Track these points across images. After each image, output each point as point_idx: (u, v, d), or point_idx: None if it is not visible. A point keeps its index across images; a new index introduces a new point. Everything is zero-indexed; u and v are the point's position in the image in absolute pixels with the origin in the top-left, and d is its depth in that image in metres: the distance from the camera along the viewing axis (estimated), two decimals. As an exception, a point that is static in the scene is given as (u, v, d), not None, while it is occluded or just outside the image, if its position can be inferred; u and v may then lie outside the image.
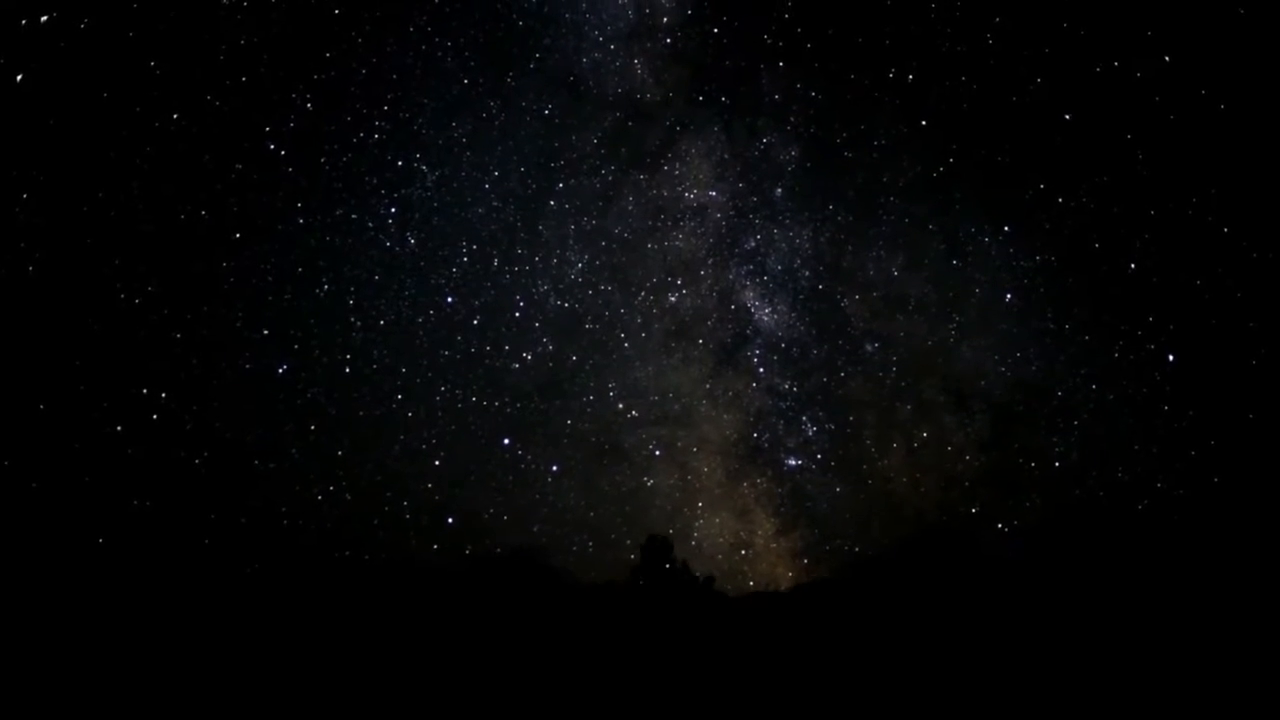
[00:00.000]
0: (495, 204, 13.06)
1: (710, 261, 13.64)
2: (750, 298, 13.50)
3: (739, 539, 13.27)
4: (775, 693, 7.43)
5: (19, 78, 11.82)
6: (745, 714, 7.11)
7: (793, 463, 13.26)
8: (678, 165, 13.45)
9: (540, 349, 13.17)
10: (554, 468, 13.07)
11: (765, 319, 13.54)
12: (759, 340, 13.52)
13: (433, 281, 12.97)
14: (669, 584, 11.01)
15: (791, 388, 13.38)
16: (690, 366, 13.50)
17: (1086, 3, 12.51)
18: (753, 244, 13.53)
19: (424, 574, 11.86)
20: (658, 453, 13.31)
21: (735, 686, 7.50)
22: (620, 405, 13.32)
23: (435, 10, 12.73)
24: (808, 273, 13.40)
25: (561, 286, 13.23)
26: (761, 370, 13.37)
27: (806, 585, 12.25)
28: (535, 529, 12.83)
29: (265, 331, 12.86)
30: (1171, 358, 12.49)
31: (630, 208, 13.43)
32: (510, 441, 13.04)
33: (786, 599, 11.47)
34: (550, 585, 11.54)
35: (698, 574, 11.45)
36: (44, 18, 11.89)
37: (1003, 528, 12.46)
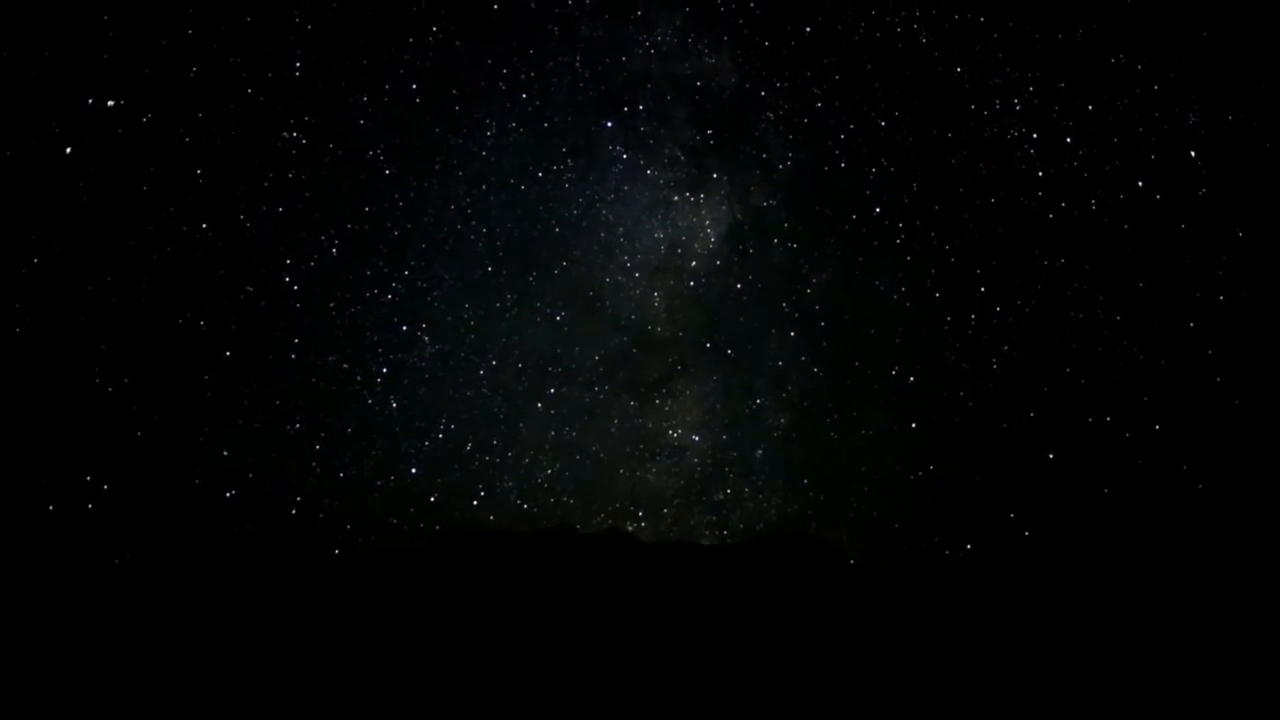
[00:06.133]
0: (485, 391, 13.19)
1: (676, 502, 13.70)
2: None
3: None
4: None
5: (68, 150, 12.14)
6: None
7: None
8: (669, 402, 13.69)
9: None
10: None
11: (716, 572, 13.35)
12: (704, 591, 13.29)
13: (402, 449, 12.94)
14: None
15: (723, 646, 13.06)
16: (629, 599, 13.24)
17: (1084, 353, 13.02)
18: (721, 497, 13.59)
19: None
20: (576, 675, 12.91)
21: None
22: (551, 621, 13.01)
23: (480, 196, 13.21)
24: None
25: (525, 488, 13.21)
26: (699, 622, 13.11)
27: None
28: None
29: (225, 453, 12.74)
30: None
31: (613, 430, 13.60)
32: (431, 627, 12.68)
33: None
34: None
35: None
36: (110, 102, 12.32)
37: None
